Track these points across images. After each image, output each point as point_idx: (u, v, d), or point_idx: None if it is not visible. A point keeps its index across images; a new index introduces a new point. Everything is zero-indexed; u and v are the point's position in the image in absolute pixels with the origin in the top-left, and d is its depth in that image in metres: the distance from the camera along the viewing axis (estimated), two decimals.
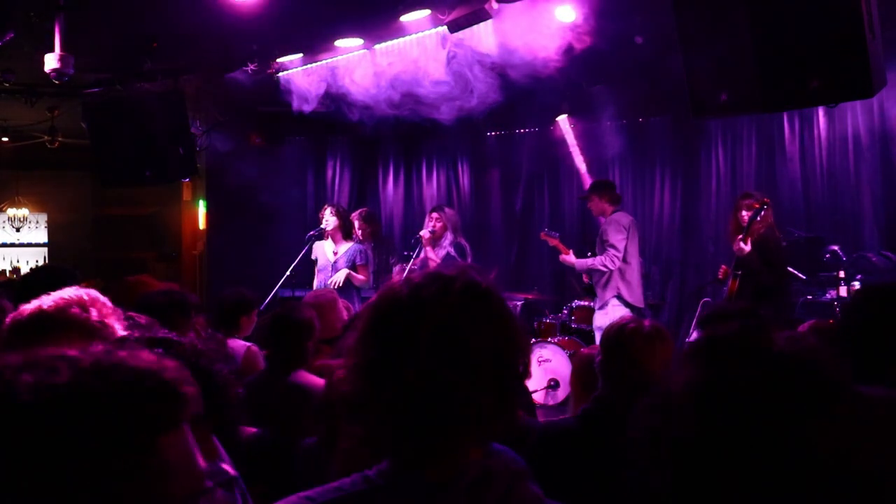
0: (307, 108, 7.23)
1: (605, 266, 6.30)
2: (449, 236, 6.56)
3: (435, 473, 1.05)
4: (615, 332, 2.51)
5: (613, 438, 2.36)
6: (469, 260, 6.61)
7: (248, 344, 4.09)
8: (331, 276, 6.35)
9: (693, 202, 8.05)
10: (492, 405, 1.04)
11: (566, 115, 8.46)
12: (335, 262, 6.44)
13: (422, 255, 6.60)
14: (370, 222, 7.42)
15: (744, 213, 5.74)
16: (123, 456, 0.77)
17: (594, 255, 6.53)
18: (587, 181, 8.30)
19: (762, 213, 5.59)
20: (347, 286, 6.31)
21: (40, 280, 3.54)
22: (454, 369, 1.02)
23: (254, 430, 2.69)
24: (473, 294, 1.08)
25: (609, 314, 6.19)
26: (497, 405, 1.05)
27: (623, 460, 2.45)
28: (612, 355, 2.46)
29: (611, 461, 2.34)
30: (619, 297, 6.36)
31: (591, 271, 6.48)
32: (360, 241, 6.72)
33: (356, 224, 6.93)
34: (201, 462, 0.87)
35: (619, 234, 6.34)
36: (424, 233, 6.56)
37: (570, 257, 6.56)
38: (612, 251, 6.28)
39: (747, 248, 5.55)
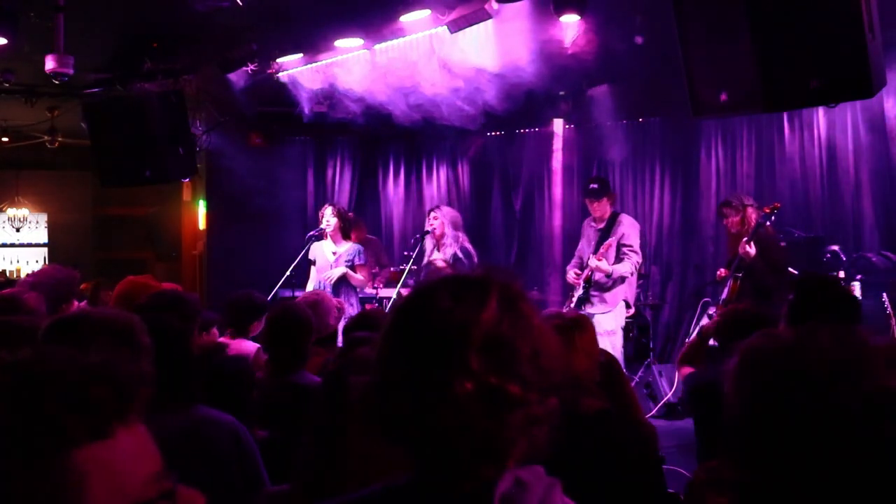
0: (307, 108, 7.24)
1: (631, 272, 6.23)
2: (451, 233, 6.52)
3: (470, 484, 1.03)
4: None
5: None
6: (475, 262, 6.57)
7: (257, 346, 4.10)
8: (328, 277, 6.35)
9: (693, 202, 8.05)
10: (538, 406, 1.05)
11: (562, 120, 8.48)
12: (335, 262, 6.44)
13: (427, 252, 6.58)
14: (355, 225, 7.43)
15: (724, 221, 5.82)
16: (24, 473, 0.73)
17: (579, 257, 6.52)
18: (558, 185, 8.28)
19: (772, 218, 5.62)
20: (346, 285, 6.31)
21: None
22: (506, 376, 1.02)
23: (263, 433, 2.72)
24: (510, 296, 1.09)
25: (616, 317, 6.19)
26: (540, 406, 1.05)
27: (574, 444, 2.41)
28: None
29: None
30: (626, 299, 6.34)
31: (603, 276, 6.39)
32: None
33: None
34: (146, 469, 0.82)
35: (638, 239, 6.32)
36: (435, 226, 6.54)
37: (603, 263, 6.16)
38: (634, 256, 6.22)
39: (753, 251, 5.54)
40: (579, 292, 6.36)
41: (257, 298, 4.33)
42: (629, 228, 6.27)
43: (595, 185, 6.45)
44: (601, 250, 6.17)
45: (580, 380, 2.48)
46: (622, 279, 6.22)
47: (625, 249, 6.20)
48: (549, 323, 2.53)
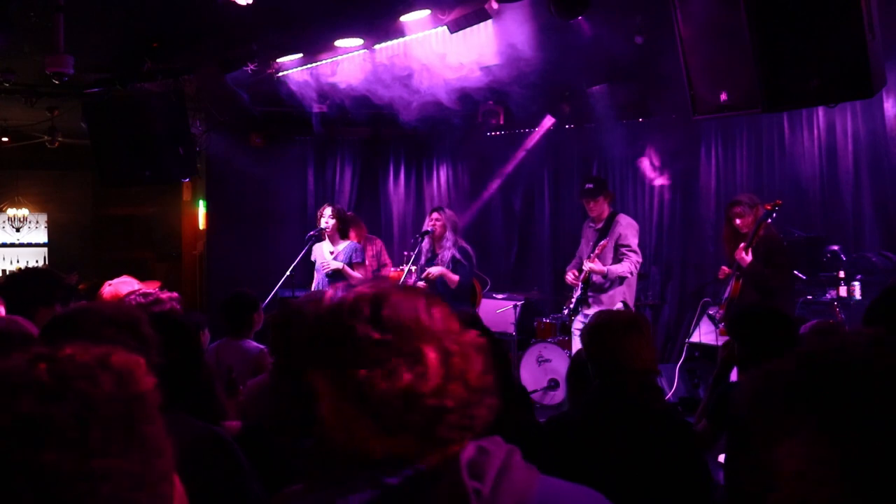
0: (307, 108, 7.24)
1: (631, 272, 6.16)
2: (450, 236, 6.50)
3: (438, 456, 1.10)
4: (595, 325, 2.65)
5: (611, 424, 2.46)
6: (474, 262, 6.56)
7: (261, 347, 4.10)
8: (327, 277, 6.34)
9: (693, 202, 8.05)
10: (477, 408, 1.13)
11: (562, 120, 8.49)
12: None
13: (424, 252, 6.57)
14: (354, 224, 7.43)
15: (737, 221, 5.67)
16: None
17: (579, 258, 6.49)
18: (558, 185, 8.37)
19: (773, 216, 5.55)
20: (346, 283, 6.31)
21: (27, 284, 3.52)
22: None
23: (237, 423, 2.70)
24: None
25: None
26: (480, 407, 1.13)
27: (623, 443, 2.48)
28: (596, 347, 2.60)
29: (612, 446, 2.42)
30: (625, 301, 6.25)
31: (596, 277, 6.34)
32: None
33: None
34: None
35: (636, 239, 6.24)
36: (434, 270, 6.48)
37: (597, 264, 6.12)
38: (634, 256, 6.14)
39: (749, 257, 5.49)
40: (578, 293, 6.33)
41: (247, 295, 4.34)
42: (627, 229, 6.20)
43: (590, 185, 6.36)
44: (596, 251, 6.12)
45: (649, 376, 2.55)
46: (620, 280, 6.16)
47: (623, 250, 6.14)
48: (597, 320, 2.57)
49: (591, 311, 6.13)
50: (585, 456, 2.42)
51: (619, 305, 6.19)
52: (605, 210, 6.32)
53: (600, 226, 6.30)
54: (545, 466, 1.17)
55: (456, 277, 6.35)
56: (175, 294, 3.53)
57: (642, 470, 2.38)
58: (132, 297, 3.44)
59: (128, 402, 0.83)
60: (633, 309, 6.50)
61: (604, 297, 6.20)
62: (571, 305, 6.44)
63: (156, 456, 0.84)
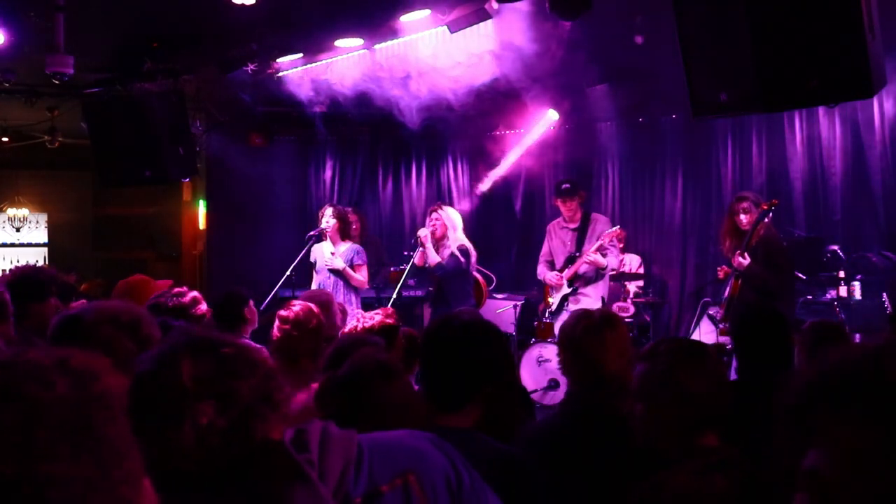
0: (307, 108, 7.24)
1: (615, 267, 6.45)
2: (451, 235, 6.50)
3: (256, 438, 1.23)
4: (568, 330, 2.55)
5: (589, 431, 2.37)
6: (473, 260, 6.53)
7: (259, 347, 4.07)
8: (329, 278, 6.33)
9: (693, 202, 8.04)
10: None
11: (562, 119, 8.49)
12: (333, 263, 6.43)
13: (420, 253, 6.54)
14: (357, 214, 7.43)
15: (742, 217, 5.63)
16: None
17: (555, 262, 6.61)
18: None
19: (769, 215, 5.53)
20: (346, 284, 6.31)
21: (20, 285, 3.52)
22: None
23: None
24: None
25: None
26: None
27: (600, 450, 2.41)
28: (568, 353, 2.51)
29: (590, 452, 2.33)
30: (603, 297, 6.50)
31: (586, 272, 6.46)
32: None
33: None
34: None
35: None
36: (423, 231, 6.52)
37: (599, 256, 6.28)
38: (615, 249, 6.42)
39: (746, 261, 5.48)
40: (565, 291, 6.42)
41: (236, 292, 4.26)
42: (606, 225, 6.44)
43: (567, 185, 6.53)
44: (605, 239, 6.27)
45: (611, 381, 2.42)
46: (601, 275, 6.43)
47: (608, 245, 6.38)
48: (574, 324, 2.52)
49: (577, 307, 6.21)
50: (561, 462, 2.32)
51: (601, 300, 6.44)
52: (579, 210, 6.49)
53: (575, 225, 6.47)
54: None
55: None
56: (197, 294, 3.55)
57: (608, 479, 2.27)
58: (166, 298, 3.45)
59: (83, 404, 0.81)
60: (608, 304, 6.70)
61: (590, 289, 6.44)
62: (553, 308, 6.51)
63: (116, 458, 0.82)
